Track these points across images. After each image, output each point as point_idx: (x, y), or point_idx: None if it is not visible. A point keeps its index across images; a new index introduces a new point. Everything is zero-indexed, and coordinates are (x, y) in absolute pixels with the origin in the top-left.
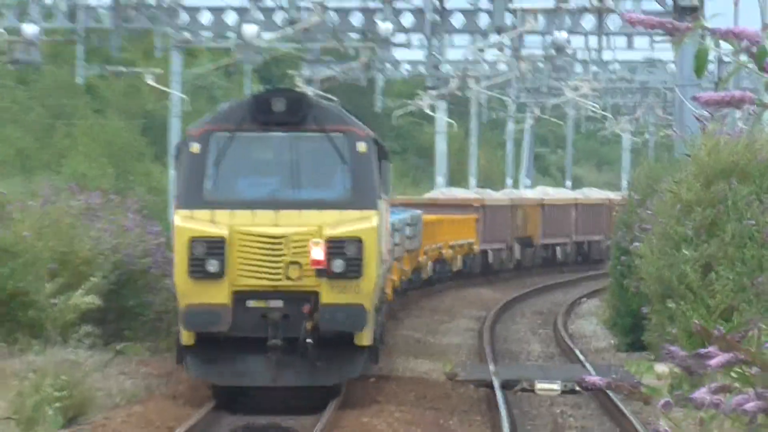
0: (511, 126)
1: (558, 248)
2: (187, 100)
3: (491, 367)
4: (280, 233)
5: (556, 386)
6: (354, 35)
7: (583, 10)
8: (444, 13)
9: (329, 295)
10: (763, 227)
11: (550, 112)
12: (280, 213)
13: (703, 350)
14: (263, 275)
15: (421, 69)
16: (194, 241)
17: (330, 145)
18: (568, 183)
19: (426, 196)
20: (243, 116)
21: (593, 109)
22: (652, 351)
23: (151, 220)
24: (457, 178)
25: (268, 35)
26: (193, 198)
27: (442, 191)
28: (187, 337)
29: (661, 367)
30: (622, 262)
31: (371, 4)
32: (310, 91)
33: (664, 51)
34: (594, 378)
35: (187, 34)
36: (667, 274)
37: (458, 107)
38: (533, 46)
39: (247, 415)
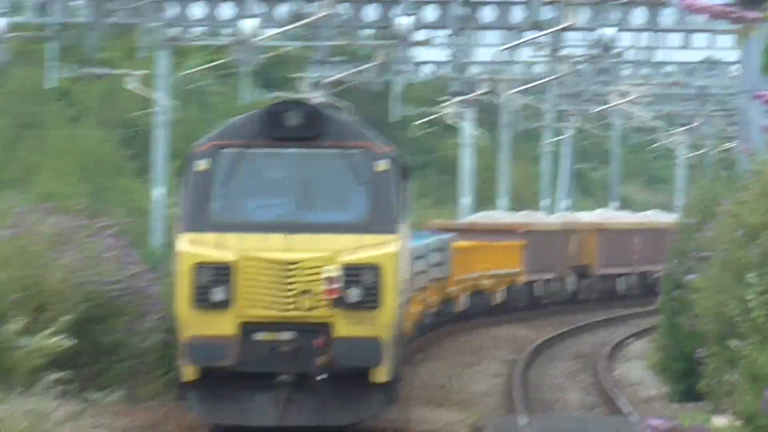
0: (548, 138)
1: (619, 279)
2: (176, 107)
3: (522, 420)
4: (291, 259)
5: None
6: (368, 32)
7: (634, 2)
8: (472, 5)
9: (344, 327)
10: None
11: (594, 121)
12: (292, 237)
13: None
14: (273, 305)
15: (445, 71)
16: (199, 267)
17: (347, 163)
18: (614, 204)
19: (465, 220)
20: (254, 131)
21: (643, 118)
22: (710, 401)
23: (131, 246)
24: (485, 198)
25: (269, 32)
26: (199, 220)
27: (482, 215)
28: (189, 373)
29: (721, 420)
30: (674, 297)
31: None
32: (317, 96)
33: (727, 51)
34: (657, 421)
35: (175, 31)
36: (727, 309)
37: (487, 116)
38: (575, 44)
39: None
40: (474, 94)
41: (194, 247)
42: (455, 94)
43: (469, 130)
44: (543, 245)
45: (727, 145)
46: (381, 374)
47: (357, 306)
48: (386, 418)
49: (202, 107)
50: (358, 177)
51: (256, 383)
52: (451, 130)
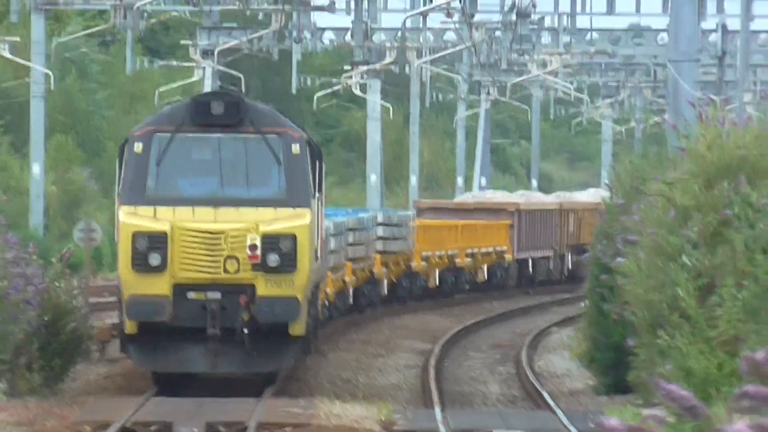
0: (462, 111)
1: None
2: (54, 76)
3: (438, 414)
4: (218, 229)
5: None
6: None
7: None
8: None
9: (265, 287)
10: None
11: (511, 93)
12: (219, 210)
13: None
14: (202, 268)
15: (348, 39)
16: (137, 235)
17: (266, 146)
18: (534, 182)
19: (456, 200)
20: (183, 118)
21: (565, 90)
22: (640, 394)
23: (9, 228)
24: (394, 176)
25: None
26: (137, 195)
27: (473, 194)
28: (130, 327)
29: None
30: (601, 282)
31: None
32: (208, 65)
33: (654, 17)
34: (614, 422)
35: None
36: (656, 297)
37: (395, 87)
38: (489, 9)
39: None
40: (380, 62)
41: (133, 219)
42: (360, 63)
43: (375, 102)
44: (535, 224)
45: (656, 119)
46: (298, 328)
47: (276, 270)
48: (289, 412)
49: (82, 76)
50: (276, 158)
51: (189, 336)
52: (357, 102)
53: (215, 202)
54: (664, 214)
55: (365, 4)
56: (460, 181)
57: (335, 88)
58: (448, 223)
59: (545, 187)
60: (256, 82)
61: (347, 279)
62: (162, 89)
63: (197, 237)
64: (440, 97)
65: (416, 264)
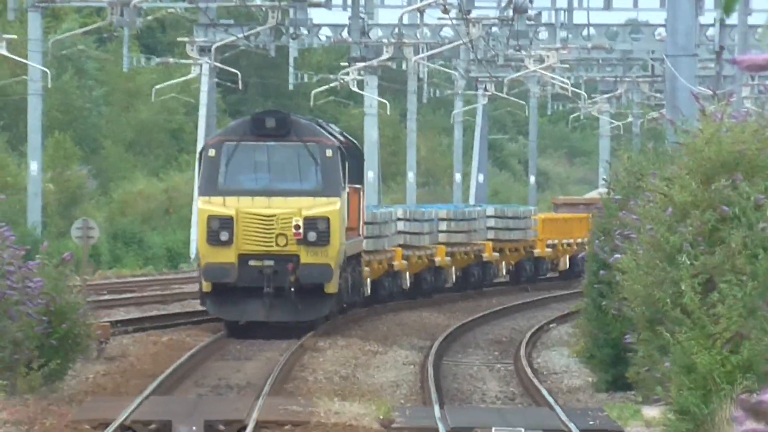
0: (459, 107)
1: None
2: (51, 74)
3: (437, 411)
4: (271, 213)
5: None
6: None
7: None
8: None
9: (306, 257)
10: None
11: (509, 89)
12: (272, 199)
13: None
14: (260, 243)
15: (345, 35)
16: (211, 218)
17: (306, 151)
18: (532, 179)
19: (587, 196)
20: (245, 130)
21: (562, 85)
22: (640, 390)
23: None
24: (391, 172)
25: None
26: (211, 188)
27: (599, 191)
28: (206, 286)
29: (652, 411)
30: (600, 279)
31: None
32: (205, 62)
33: (651, 12)
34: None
35: None
36: (657, 293)
37: (392, 84)
38: (486, 5)
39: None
40: (377, 59)
41: (208, 206)
42: (357, 59)
43: (372, 99)
44: None
45: (654, 114)
46: (331, 287)
47: (314, 243)
48: (288, 410)
49: (79, 74)
50: (314, 160)
51: (250, 293)
52: (354, 99)
53: (269, 193)
54: (662, 211)
55: (362, 0)
56: (458, 177)
57: (332, 84)
58: (574, 216)
59: (542, 184)
60: (253, 78)
61: (438, 259)
62: (158, 86)
63: (256, 219)
64: (437, 93)
65: (540, 250)
